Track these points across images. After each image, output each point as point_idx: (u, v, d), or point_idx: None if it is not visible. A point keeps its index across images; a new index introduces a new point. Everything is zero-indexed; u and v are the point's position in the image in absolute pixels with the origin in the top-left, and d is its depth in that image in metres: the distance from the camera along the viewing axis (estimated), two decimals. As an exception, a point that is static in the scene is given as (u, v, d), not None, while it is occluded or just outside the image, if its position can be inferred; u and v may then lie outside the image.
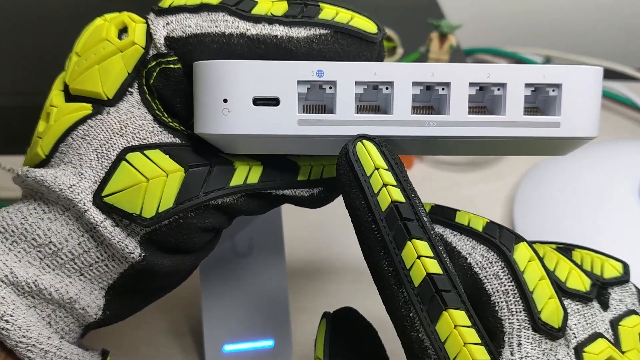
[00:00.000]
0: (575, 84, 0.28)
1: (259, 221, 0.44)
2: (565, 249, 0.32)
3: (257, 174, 0.31)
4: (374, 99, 0.28)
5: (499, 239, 0.28)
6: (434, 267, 0.25)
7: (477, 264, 0.28)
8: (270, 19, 0.29)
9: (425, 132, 0.28)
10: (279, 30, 0.29)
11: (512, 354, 0.26)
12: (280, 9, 0.30)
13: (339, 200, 0.33)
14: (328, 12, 0.30)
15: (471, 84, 0.28)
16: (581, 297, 0.28)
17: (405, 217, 0.26)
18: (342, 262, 0.54)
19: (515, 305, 0.27)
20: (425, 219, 0.26)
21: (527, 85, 0.28)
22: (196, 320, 0.49)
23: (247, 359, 0.45)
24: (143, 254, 0.30)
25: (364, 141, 0.27)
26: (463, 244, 0.29)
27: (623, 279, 0.31)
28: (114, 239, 0.29)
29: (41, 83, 0.33)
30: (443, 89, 0.28)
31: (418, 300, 0.25)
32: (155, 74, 0.30)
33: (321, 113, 0.28)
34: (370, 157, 0.27)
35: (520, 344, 0.26)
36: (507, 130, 0.28)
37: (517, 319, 0.26)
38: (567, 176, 0.58)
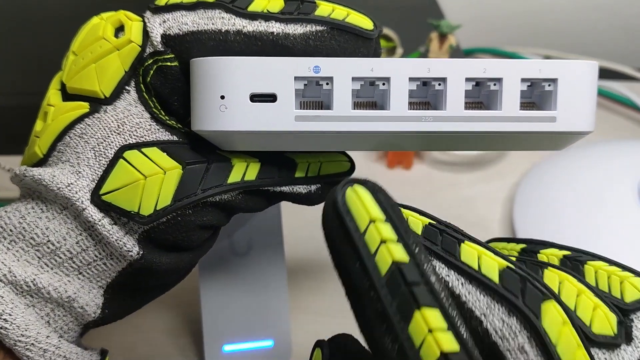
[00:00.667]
0: (571, 79, 0.28)
1: (258, 220, 0.44)
2: (575, 260, 0.28)
3: (254, 171, 0.31)
4: (370, 95, 0.28)
5: (523, 299, 0.22)
6: (449, 343, 0.20)
7: (496, 332, 0.22)
8: (267, 16, 0.29)
9: (422, 127, 0.28)
10: (276, 27, 0.29)
11: None
12: (277, 5, 0.30)
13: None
14: (324, 8, 0.30)
15: (467, 79, 0.28)
16: (609, 345, 0.23)
17: (411, 281, 0.20)
18: (342, 261, 0.54)
19: None
20: (433, 278, 0.21)
21: (523, 80, 0.28)
22: (195, 320, 0.48)
23: (247, 359, 0.45)
24: (141, 252, 0.30)
25: (355, 186, 0.22)
26: (475, 299, 0.23)
27: None
28: (112, 237, 0.29)
29: (41, 83, 0.33)
30: (439, 84, 0.28)
31: None
32: (152, 72, 0.30)
33: (318, 109, 0.28)
34: (364, 206, 0.21)
35: None
36: (504, 125, 0.28)
37: None
38: (567, 176, 0.57)
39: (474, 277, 0.23)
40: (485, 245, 0.23)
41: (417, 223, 0.24)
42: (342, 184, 0.22)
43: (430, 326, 0.20)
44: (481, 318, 0.22)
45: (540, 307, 0.22)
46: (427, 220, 0.24)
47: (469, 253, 0.23)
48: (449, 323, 0.20)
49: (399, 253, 0.21)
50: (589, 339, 0.23)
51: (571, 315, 0.22)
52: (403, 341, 0.20)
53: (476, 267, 0.23)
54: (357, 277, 0.21)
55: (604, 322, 0.24)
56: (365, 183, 0.22)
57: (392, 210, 0.22)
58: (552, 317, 0.22)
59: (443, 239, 0.24)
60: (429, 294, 0.20)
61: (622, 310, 0.25)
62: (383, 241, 0.21)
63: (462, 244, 0.24)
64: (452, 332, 0.20)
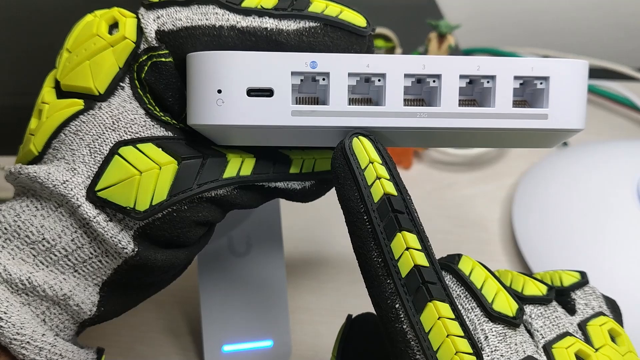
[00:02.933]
0: (563, 77, 0.28)
1: (257, 220, 0.44)
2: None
3: (249, 166, 0.31)
4: (366, 92, 0.29)
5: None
6: (422, 259, 0.26)
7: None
8: (260, 12, 0.29)
9: (416, 123, 0.28)
10: (269, 23, 0.29)
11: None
12: (270, 1, 0.30)
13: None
14: (317, 5, 0.30)
15: (461, 76, 0.28)
16: (540, 300, 0.29)
17: (397, 209, 0.26)
18: (341, 261, 0.54)
19: (469, 303, 0.27)
20: (415, 213, 0.27)
21: (516, 77, 0.28)
22: (195, 320, 0.49)
23: (246, 359, 0.45)
24: (136, 249, 0.30)
25: (360, 136, 0.28)
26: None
27: (583, 282, 0.31)
28: (107, 234, 0.29)
29: (36, 83, 0.33)
30: (434, 81, 0.28)
31: (404, 291, 0.26)
32: (146, 67, 0.30)
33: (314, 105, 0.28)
34: (365, 151, 0.27)
35: (487, 337, 0.26)
36: (497, 122, 0.28)
37: (475, 315, 0.27)
38: (566, 176, 0.57)
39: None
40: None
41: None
42: (350, 133, 0.28)
43: (408, 245, 0.26)
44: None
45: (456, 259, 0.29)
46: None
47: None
48: (423, 246, 0.26)
49: (390, 187, 0.27)
50: (520, 298, 0.29)
51: (498, 279, 0.29)
52: (386, 254, 0.26)
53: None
54: (355, 203, 0.27)
55: (533, 287, 0.30)
56: (368, 135, 0.28)
57: (388, 159, 0.27)
58: (464, 261, 0.29)
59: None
60: (409, 222, 0.26)
61: (563, 290, 0.31)
62: (378, 177, 0.27)
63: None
64: (425, 253, 0.26)
